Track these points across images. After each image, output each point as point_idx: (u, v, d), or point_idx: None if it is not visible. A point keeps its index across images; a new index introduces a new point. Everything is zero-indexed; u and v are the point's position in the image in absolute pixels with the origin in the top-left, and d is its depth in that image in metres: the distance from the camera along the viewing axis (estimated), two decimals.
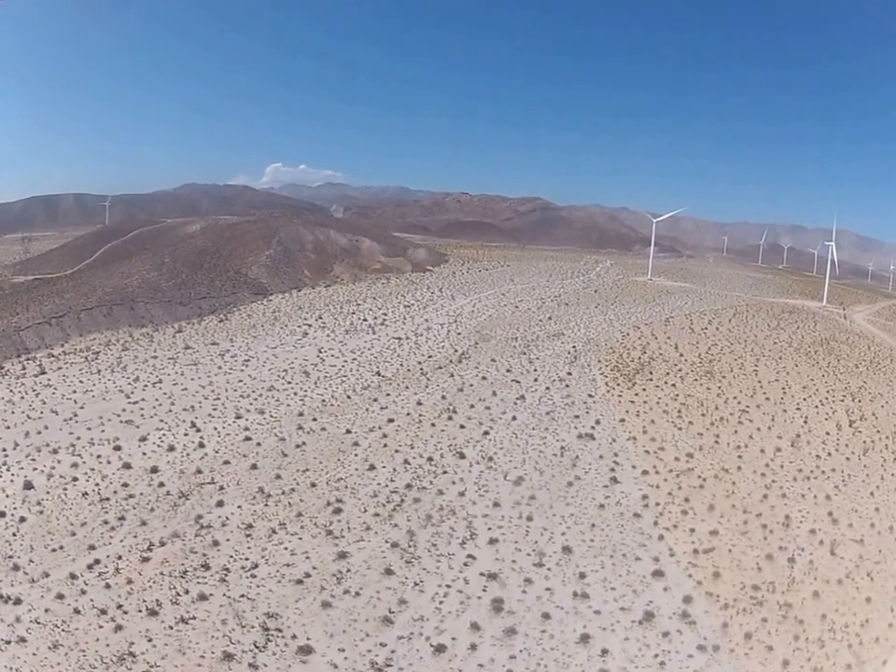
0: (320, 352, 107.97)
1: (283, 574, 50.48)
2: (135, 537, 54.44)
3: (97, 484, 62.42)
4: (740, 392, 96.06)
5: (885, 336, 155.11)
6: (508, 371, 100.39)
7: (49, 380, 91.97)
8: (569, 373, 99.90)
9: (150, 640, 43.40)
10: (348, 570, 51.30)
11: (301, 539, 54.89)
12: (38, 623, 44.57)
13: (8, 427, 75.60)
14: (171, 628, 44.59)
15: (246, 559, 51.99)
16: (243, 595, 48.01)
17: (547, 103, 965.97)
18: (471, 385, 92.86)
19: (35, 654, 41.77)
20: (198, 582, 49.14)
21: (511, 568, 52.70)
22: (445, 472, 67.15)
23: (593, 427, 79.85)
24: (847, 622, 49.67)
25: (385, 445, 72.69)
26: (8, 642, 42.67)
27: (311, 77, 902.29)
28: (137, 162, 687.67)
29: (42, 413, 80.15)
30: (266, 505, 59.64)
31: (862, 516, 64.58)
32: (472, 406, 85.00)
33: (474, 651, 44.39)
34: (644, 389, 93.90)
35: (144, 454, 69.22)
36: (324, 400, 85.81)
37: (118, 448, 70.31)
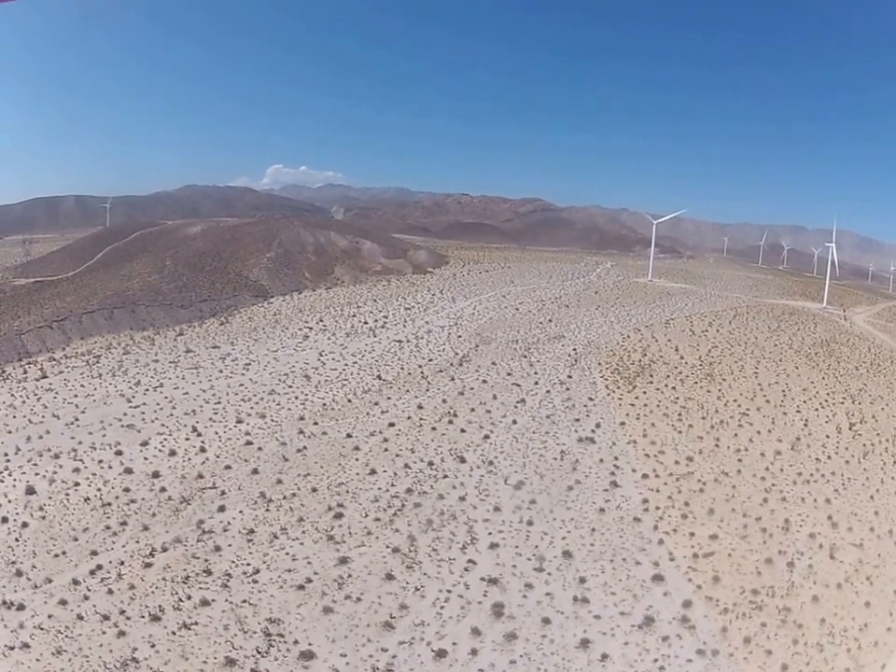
0: (321, 355, 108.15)
1: (284, 579, 50.71)
2: (137, 542, 54.64)
3: (99, 489, 62.60)
4: (740, 395, 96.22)
5: (885, 338, 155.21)
6: (508, 374, 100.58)
7: (50, 384, 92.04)
8: (570, 376, 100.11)
9: (153, 646, 43.64)
10: (349, 575, 51.53)
11: (302, 544, 55.10)
12: (41, 628, 44.79)
13: (10, 432, 75.69)
14: (174, 634, 44.84)
15: (248, 564, 52.21)
16: (245, 601, 48.24)
17: (547, 104, 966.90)
18: (472, 389, 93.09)
19: (38, 660, 42.01)
20: (200, 588, 49.36)
21: (512, 573, 52.93)
22: (446, 477, 67.40)
23: (593, 431, 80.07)
24: (845, 626, 49.92)
25: (386, 450, 72.92)
26: (12, 648, 42.92)
27: (311, 79, 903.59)
28: (138, 164, 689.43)
29: (43, 417, 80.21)
30: (267, 510, 59.85)
31: (862, 520, 64.79)
32: (473, 410, 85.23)
33: (475, 656, 44.63)
34: (644, 392, 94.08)
35: (145, 458, 69.40)
36: (325, 404, 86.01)
37: (119, 453, 70.45)
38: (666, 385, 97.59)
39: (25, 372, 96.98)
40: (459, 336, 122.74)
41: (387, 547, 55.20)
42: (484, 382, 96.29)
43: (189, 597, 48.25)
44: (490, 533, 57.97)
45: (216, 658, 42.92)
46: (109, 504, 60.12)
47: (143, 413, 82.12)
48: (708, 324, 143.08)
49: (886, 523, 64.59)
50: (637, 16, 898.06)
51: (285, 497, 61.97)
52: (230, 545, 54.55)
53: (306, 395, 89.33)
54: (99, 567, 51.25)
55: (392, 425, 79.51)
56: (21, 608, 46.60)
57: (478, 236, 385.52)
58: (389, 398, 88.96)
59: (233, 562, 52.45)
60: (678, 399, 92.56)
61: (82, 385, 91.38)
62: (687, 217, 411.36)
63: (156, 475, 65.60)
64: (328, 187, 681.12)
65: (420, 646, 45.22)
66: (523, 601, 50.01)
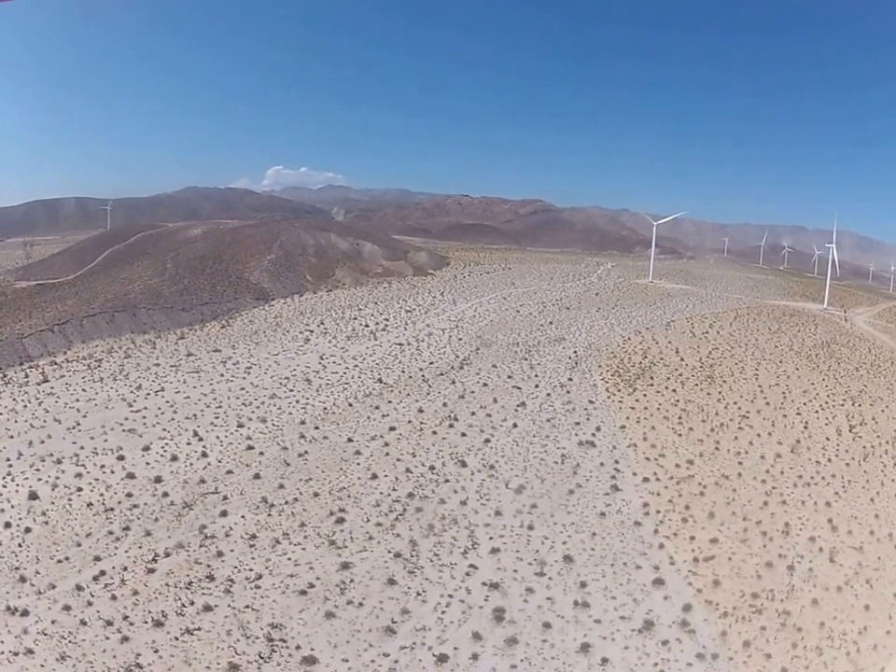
0: (322, 358, 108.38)
1: (287, 585, 50.95)
2: (140, 547, 54.88)
3: (101, 495, 62.84)
4: (741, 397, 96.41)
5: (886, 338, 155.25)
6: (509, 377, 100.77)
7: (51, 388, 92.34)
8: (570, 379, 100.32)
9: (157, 651, 43.88)
10: (351, 580, 51.78)
11: (304, 549, 55.35)
12: (45, 634, 45.01)
13: (12, 437, 75.92)
14: (177, 639, 45.07)
15: (251, 570, 52.45)
16: (247, 606, 48.48)
17: (547, 104, 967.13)
18: (473, 392, 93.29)
19: (42, 666, 42.24)
20: (203, 593, 49.61)
21: (513, 578, 53.17)
22: (447, 481, 67.62)
23: (594, 434, 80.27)
24: (845, 629, 50.15)
25: (387, 454, 73.13)
26: (16, 654, 43.12)
27: (312, 80, 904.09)
28: (139, 166, 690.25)
29: (45, 421, 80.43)
30: (269, 515, 60.08)
31: (862, 523, 64.96)
32: (473, 413, 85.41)
33: (476, 661, 44.89)
34: (645, 395, 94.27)
35: (147, 463, 69.63)
36: (326, 408, 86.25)
37: (121, 458, 70.69)
38: (667, 388, 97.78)
39: (27, 376, 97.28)
40: (460, 339, 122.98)
41: (389, 552, 55.43)
42: (485, 385, 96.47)
43: (192, 603, 48.48)
44: (491, 538, 58.20)
45: (219, 663, 43.16)
46: (112, 509, 60.34)
47: (144, 417, 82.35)
48: (709, 325, 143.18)
49: (886, 526, 64.77)
50: (638, 17, 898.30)
51: (286, 502, 62.18)
52: (232, 550, 54.79)
53: (307, 399, 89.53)
54: (102, 572, 51.46)
55: (393, 429, 79.72)
56: (24, 613, 46.81)
57: (478, 237, 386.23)
58: (390, 401, 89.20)
59: (236, 567, 52.69)
60: (678, 401, 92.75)
61: (84, 390, 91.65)
62: (687, 217, 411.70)
63: (158, 480, 65.82)
64: (328, 188, 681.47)
65: (421, 651, 45.47)
66: (524, 606, 50.24)
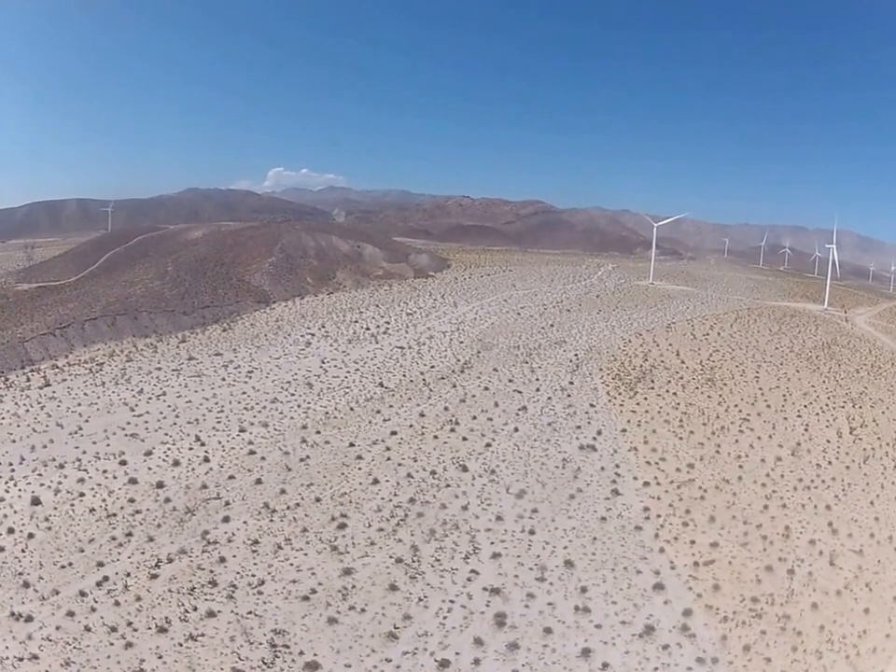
0: (323, 362, 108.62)
1: (289, 590, 51.21)
2: (143, 553, 55.16)
3: (104, 500, 63.11)
4: (741, 400, 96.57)
5: (886, 339, 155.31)
6: (510, 380, 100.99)
7: (53, 392, 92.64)
8: (571, 382, 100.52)
9: (160, 657, 44.18)
10: (353, 586, 52.02)
11: (306, 554, 55.59)
12: (49, 640, 45.32)
13: (14, 441, 76.28)
14: (180, 645, 45.35)
15: (253, 575, 52.70)
16: (250, 612, 48.75)
17: (547, 105, 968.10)
18: (474, 396, 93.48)
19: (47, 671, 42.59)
20: (206, 599, 49.87)
21: (514, 583, 53.41)
22: (448, 486, 67.84)
23: (594, 438, 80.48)
24: (844, 633, 50.41)
25: (389, 458, 73.34)
26: (21, 659, 43.44)
27: (312, 82, 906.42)
28: (140, 167, 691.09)
29: (47, 426, 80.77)
30: (271, 520, 60.34)
31: (862, 526, 65.21)
32: (475, 417, 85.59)
33: (477, 666, 45.15)
34: (645, 398, 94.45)
35: (149, 468, 69.89)
36: (327, 413, 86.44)
37: (123, 463, 70.96)
38: (667, 391, 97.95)
39: (28, 380, 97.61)
40: (461, 342, 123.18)
41: (391, 557, 55.67)
42: (486, 389, 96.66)
43: (196, 609, 48.75)
44: (492, 542, 58.44)
45: (222, 669, 43.46)
46: (114, 515, 60.62)
47: (146, 421, 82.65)
48: (710, 327, 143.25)
49: (886, 528, 65.02)
50: (638, 18, 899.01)
51: (288, 508, 62.44)
52: (234, 556, 55.04)
53: (308, 403, 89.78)
54: (105, 578, 51.75)
55: (394, 433, 79.91)
56: (28, 619, 47.13)
57: (479, 238, 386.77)
58: (391, 405, 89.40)
59: (238, 573, 52.95)
60: (679, 404, 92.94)
61: (85, 394, 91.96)
62: (688, 218, 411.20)
63: (160, 485, 66.06)
64: (329, 189, 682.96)
65: (423, 656, 45.72)
66: (525, 611, 50.50)
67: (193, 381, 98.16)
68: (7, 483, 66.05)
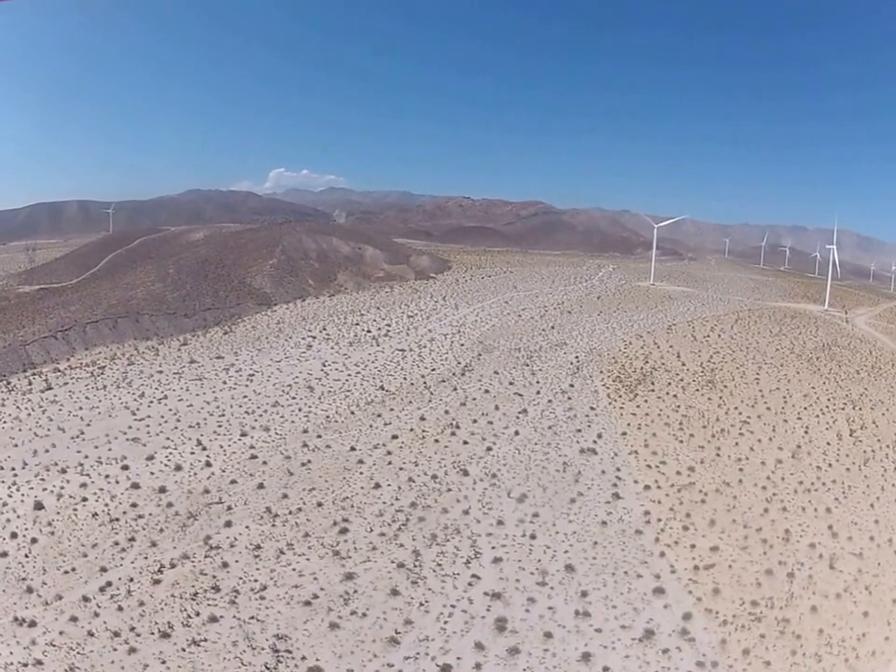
0: (324, 365, 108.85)
1: (291, 595, 51.44)
2: (146, 558, 55.42)
3: (106, 505, 63.38)
4: (741, 402, 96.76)
5: (886, 340, 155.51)
6: (511, 383, 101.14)
7: (55, 396, 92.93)
8: (572, 385, 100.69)
9: (164, 662, 44.46)
10: (355, 591, 52.26)
11: (308, 559, 55.82)
12: (53, 645, 45.61)
13: (16, 446, 76.54)
14: (183, 650, 45.62)
15: (255, 580, 52.94)
16: (252, 617, 49.00)
17: (547, 106, 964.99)
18: (474, 399, 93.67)
19: None
20: (208, 604, 50.14)
21: (515, 588, 53.62)
22: (449, 490, 68.04)
23: (595, 441, 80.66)
24: (843, 636, 50.57)
25: (390, 463, 73.53)
26: (25, 665, 43.74)
27: (313, 82, 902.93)
28: (141, 168, 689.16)
29: (49, 430, 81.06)
30: (273, 525, 60.57)
31: (862, 529, 65.36)
32: (475, 421, 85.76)
33: (479, 671, 45.33)
34: (646, 401, 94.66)
35: (151, 473, 70.14)
36: (328, 416, 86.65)
37: (125, 467, 71.21)
38: (668, 393, 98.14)
39: (30, 384, 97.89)
40: (462, 344, 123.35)
41: (392, 562, 55.90)
42: (487, 392, 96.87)
43: (198, 614, 49.02)
44: (493, 547, 58.65)
45: None
46: (117, 520, 60.90)
47: (148, 426, 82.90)
48: (710, 329, 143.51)
49: (886, 531, 65.13)
50: (638, 18, 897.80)
51: (290, 512, 62.67)
52: (237, 561, 55.29)
53: (310, 407, 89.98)
54: (108, 583, 52.05)
55: (395, 437, 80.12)
56: (32, 624, 47.43)
57: (480, 240, 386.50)
58: (392, 409, 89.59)
59: (241, 578, 53.20)
60: (679, 407, 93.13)
61: (87, 398, 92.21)
62: (688, 219, 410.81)
63: (162, 490, 66.31)
64: (329, 190, 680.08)
65: (425, 661, 45.95)
66: (525, 615, 50.72)
67: (195, 384, 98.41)
68: (9, 487, 66.36)
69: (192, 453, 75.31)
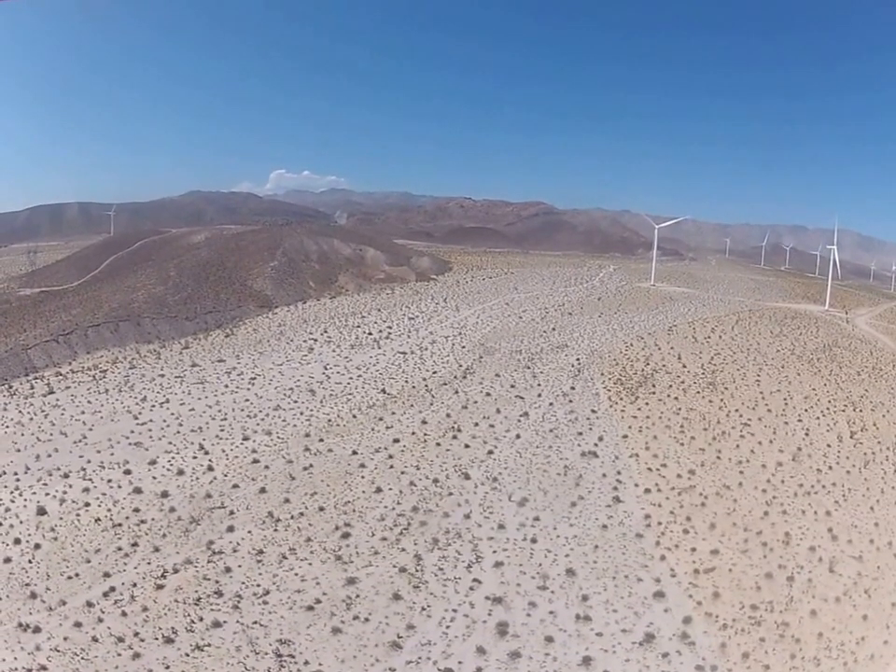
0: (326, 368, 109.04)
1: (294, 600, 51.70)
2: (149, 563, 55.67)
3: (109, 510, 63.59)
4: (742, 404, 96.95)
5: (887, 340, 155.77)
6: (512, 386, 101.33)
7: (57, 400, 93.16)
8: (573, 388, 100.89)
9: (168, 668, 44.71)
10: (357, 596, 52.52)
11: (310, 564, 56.07)
12: (57, 651, 45.86)
13: (19, 450, 76.78)
14: (187, 655, 45.88)
15: (258, 585, 53.20)
16: (255, 622, 49.25)
17: (548, 107, 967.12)
18: (475, 402, 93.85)
19: None
20: (212, 609, 50.40)
21: (516, 592, 53.86)
22: (451, 494, 68.26)
23: (596, 444, 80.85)
24: (843, 640, 50.83)
25: (392, 467, 73.74)
26: (30, 670, 44.00)
27: (313, 84, 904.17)
28: (142, 170, 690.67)
29: (51, 435, 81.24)
30: (276, 530, 60.82)
31: (862, 532, 65.59)
32: (477, 424, 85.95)
33: None
34: (647, 403, 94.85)
35: (154, 477, 70.34)
36: (330, 420, 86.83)
37: (128, 472, 71.42)
38: (669, 396, 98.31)
39: (32, 388, 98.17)
40: (463, 347, 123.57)
41: (394, 567, 56.15)
42: (488, 395, 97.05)
43: (202, 619, 49.28)
44: (495, 551, 58.88)
45: None
46: (120, 525, 61.12)
47: (150, 430, 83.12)
48: (711, 330, 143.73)
49: (885, 534, 65.36)
50: (638, 19, 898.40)
51: (292, 517, 62.91)
52: (239, 566, 55.53)
53: (311, 410, 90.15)
54: (112, 588, 52.29)
55: (397, 441, 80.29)
56: (36, 630, 47.67)
57: (480, 240, 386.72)
58: (394, 412, 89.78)
59: (244, 583, 53.45)
60: (680, 409, 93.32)
61: (89, 402, 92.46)
62: (689, 219, 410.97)
63: (165, 495, 66.55)
64: (330, 191, 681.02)
65: (427, 665, 46.24)
66: (527, 620, 50.98)
67: (196, 388, 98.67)
68: (12, 492, 66.59)
69: (195, 457, 75.54)
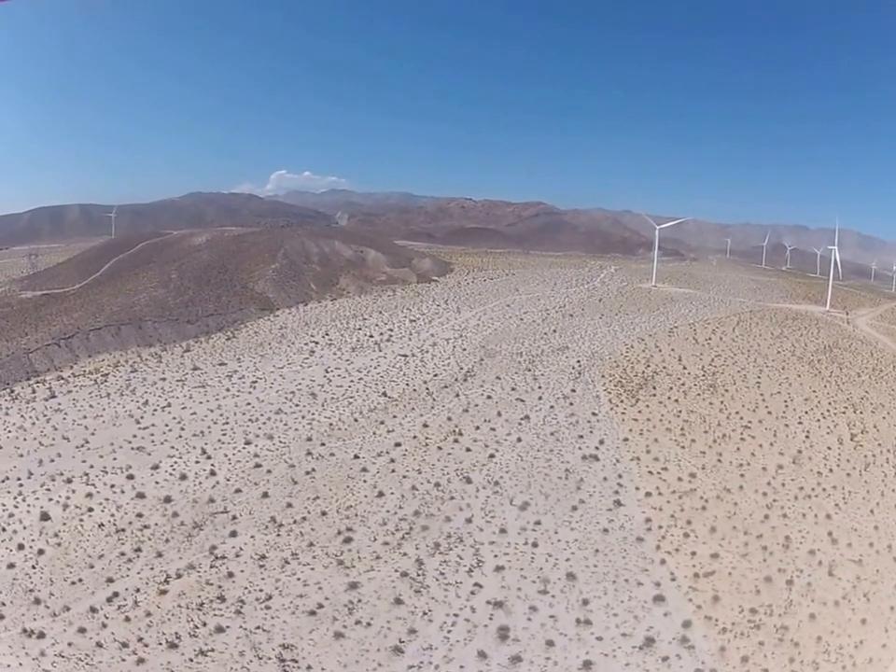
0: (327, 371, 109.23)
1: (296, 605, 52.05)
2: (152, 568, 56.03)
3: (112, 515, 63.97)
4: (743, 406, 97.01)
5: (887, 341, 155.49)
6: (513, 389, 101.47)
7: (59, 404, 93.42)
8: (573, 390, 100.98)
9: None
10: (359, 600, 52.86)
11: (313, 569, 56.40)
12: (62, 656, 46.26)
13: (21, 456, 77.16)
14: (191, 661, 46.28)
15: (261, 590, 53.55)
16: (258, 627, 49.60)
17: (549, 107, 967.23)
18: (477, 406, 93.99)
19: None
20: (215, 614, 50.75)
21: (517, 596, 54.22)
22: (452, 498, 68.55)
23: (597, 448, 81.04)
24: (841, 643, 51.13)
25: (393, 471, 74.00)
26: None
27: (314, 85, 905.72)
28: (143, 172, 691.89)
29: (54, 439, 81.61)
30: (278, 535, 61.15)
31: (861, 535, 65.77)
32: (478, 428, 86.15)
33: None
34: (647, 406, 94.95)
35: (156, 482, 70.68)
36: (331, 424, 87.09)
37: (130, 477, 71.79)
38: (669, 398, 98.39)
39: (34, 392, 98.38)
40: (464, 349, 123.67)
41: (396, 571, 56.50)
42: (489, 398, 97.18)
43: (205, 624, 49.64)
44: (496, 556, 59.21)
45: None
46: (123, 530, 61.49)
47: (152, 434, 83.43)
48: (712, 331, 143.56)
49: (885, 538, 65.57)
50: (639, 19, 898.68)
51: (295, 522, 63.25)
52: (242, 571, 55.89)
53: (313, 414, 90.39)
54: (116, 594, 52.67)
55: (398, 445, 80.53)
56: (41, 636, 48.05)
57: (481, 241, 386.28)
58: (395, 416, 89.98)
59: (246, 588, 53.79)
60: (680, 412, 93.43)
61: (91, 406, 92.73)
62: (690, 219, 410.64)
63: (168, 500, 66.89)
64: (331, 192, 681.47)
65: (428, 670, 46.65)
66: (527, 624, 51.31)
67: (198, 392, 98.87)
68: (15, 498, 67.00)
69: (197, 461, 75.85)
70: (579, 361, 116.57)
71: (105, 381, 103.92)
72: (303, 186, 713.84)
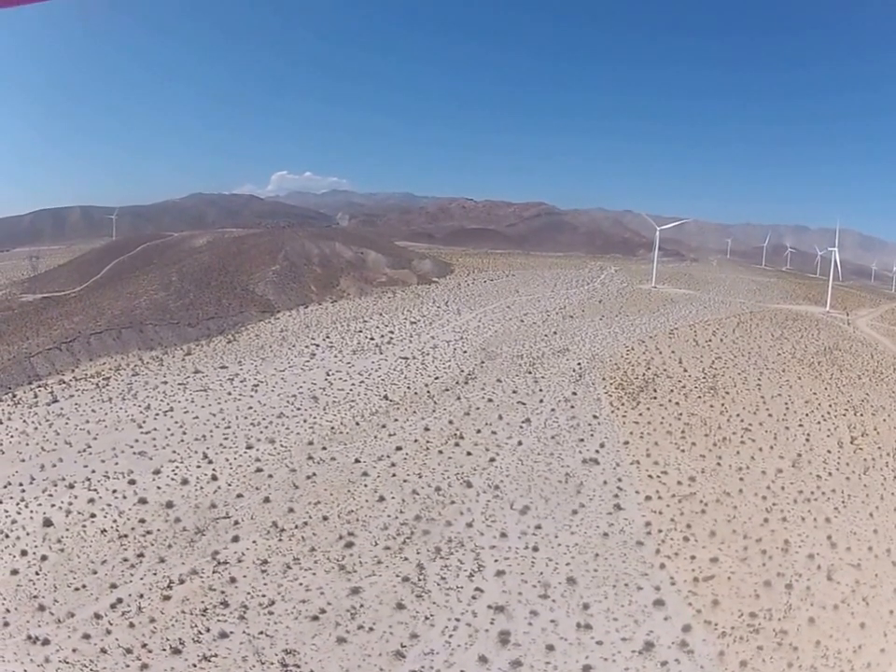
0: (328, 374, 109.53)
1: (299, 610, 52.34)
2: (155, 574, 56.30)
3: (115, 521, 64.18)
4: (743, 409, 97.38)
5: (888, 342, 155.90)
6: (514, 391, 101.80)
7: (61, 409, 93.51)
8: (574, 393, 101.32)
9: None
10: (361, 605, 53.14)
11: (314, 574, 56.70)
12: (67, 662, 46.51)
13: (24, 461, 77.19)
14: (194, 666, 46.54)
15: (263, 595, 53.83)
16: (261, 632, 49.90)
17: (549, 108, 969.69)
18: (478, 409, 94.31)
19: None
20: (218, 620, 51.03)
21: (518, 600, 54.45)
22: (453, 502, 68.81)
23: (597, 451, 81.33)
24: (840, 648, 51.33)
25: (394, 475, 74.25)
26: None
27: (315, 86, 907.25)
28: (143, 173, 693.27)
29: (56, 444, 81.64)
30: (280, 540, 61.44)
31: (861, 539, 66.04)
32: (479, 431, 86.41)
33: None
34: (648, 408, 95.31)
35: (158, 487, 70.89)
36: (333, 428, 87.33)
37: (133, 482, 71.95)
38: (670, 401, 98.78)
39: (36, 396, 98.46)
40: (465, 351, 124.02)
41: (397, 576, 56.76)
42: (490, 401, 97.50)
43: (208, 630, 49.92)
44: (496, 560, 59.47)
45: None
46: (126, 536, 61.72)
47: (154, 439, 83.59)
48: (712, 333, 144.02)
49: (884, 542, 65.79)
50: (640, 20, 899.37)
51: (297, 527, 63.51)
52: (245, 576, 56.16)
53: (314, 418, 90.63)
54: (119, 600, 52.90)
55: (399, 448, 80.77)
56: (45, 642, 48.28)
57: (482, 242, 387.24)
58: (396, 419, 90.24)
59: (249, 593, 54.08)
60: (681, 415, 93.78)
61: (93, 410, 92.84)
62: (690, 220, 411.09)
63: (170, 505, 67.13)
64: (332, 193, 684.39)
65: None
66: (528, 628, 51.58)
67: (199, 395, 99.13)
68: (18, 503, 67.13)
69: (199, 466, 76.11)
70: (579, 364, 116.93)
71: (107, 385, 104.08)
72: (304, 186, 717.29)
